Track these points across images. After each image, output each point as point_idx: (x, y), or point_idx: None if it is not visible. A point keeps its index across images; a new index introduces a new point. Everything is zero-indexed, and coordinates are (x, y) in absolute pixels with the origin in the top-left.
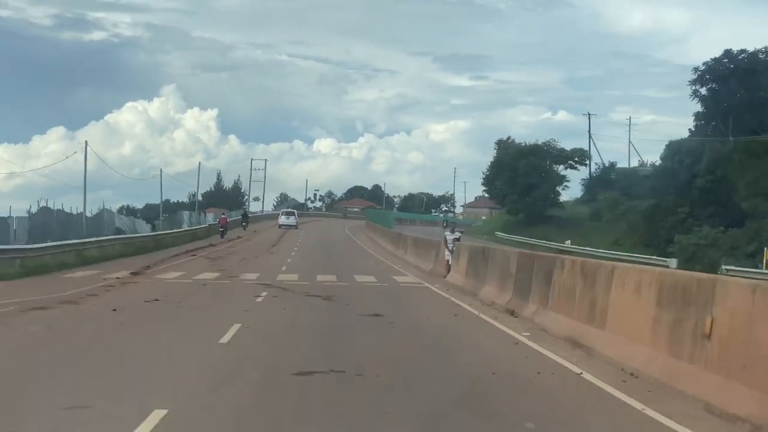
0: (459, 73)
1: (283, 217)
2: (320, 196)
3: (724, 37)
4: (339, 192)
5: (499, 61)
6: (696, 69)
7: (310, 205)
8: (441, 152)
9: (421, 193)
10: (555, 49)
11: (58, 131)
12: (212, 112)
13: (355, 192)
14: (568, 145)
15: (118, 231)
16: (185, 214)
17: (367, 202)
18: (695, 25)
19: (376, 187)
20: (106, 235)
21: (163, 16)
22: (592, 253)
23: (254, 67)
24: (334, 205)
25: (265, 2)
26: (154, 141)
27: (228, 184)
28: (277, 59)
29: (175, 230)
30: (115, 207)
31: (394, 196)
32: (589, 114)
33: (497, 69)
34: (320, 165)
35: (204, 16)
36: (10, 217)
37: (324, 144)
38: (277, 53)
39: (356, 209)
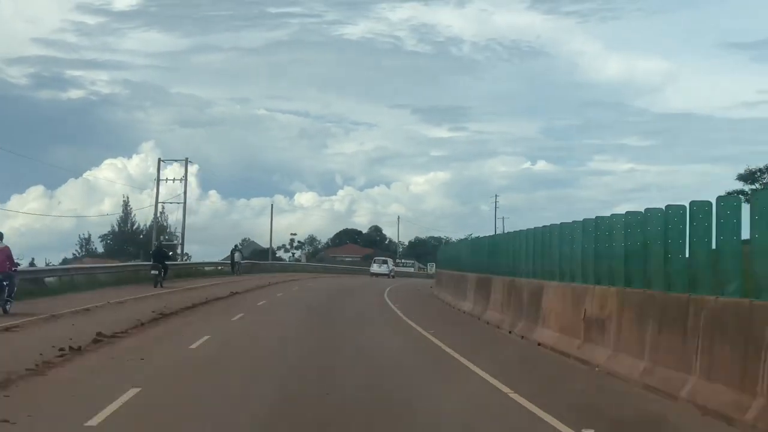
0: (438, 124)
1: (375, 265)
2: (298, 242)
3: (698, 86)
4: (324, 238)
5: (477, 112)
6: None
7: (284, 255)
8: (421, 203)
9: (431, 238)
10: (532, 99)
11: (37, 190)
12: (192, 168)
13: (346, 236)
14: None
15: None
16: None
17: (365, 249)
18: (671, 74)
19: (375, 230)
20: None
21: (141, 73)
22: None
23: (233, 122)
24: (319, 254)
25: (243, 57)
26: (134, 197)
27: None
28: (255, 114)
29: None
30: None
31: (399, 242)
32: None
33: (476, 120)
34: (300, 218)
35: (182, 72)
36: None
37: (305, 198)
38: (255, 108)
39: (349, 258)
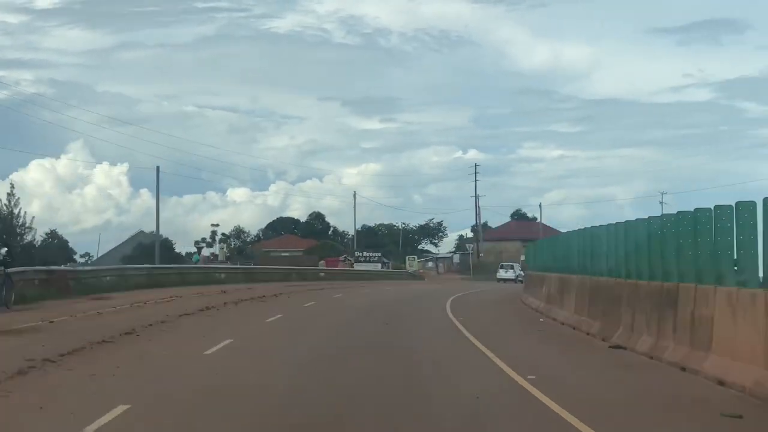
0: (369, 116)
1: (501, 271)
2: (222, 235)
3: (625, 71)
4: (256, 229)
5: (408, 102)
6: None
7: (206, 252)
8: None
9: (381, 226)
10: (462, 89)
11: None
12: (122, 167)
13: (282, 226)
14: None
15: None
16: None
17: (307, 240)
18: (598, 60)
19: (317, 218)
20: None
21: (67, 72)
22: None
23: (162, 119)
24: (248, 248)
25: (170, 53)
26: (63, 198)
27: None
28: (185, 110)
29: None
30: None
31: (344, 232)
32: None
33: (406, 111)
34: (233, 213)
35: (109, 70)
36: None
37: (237, 193)
38: (184, 104)
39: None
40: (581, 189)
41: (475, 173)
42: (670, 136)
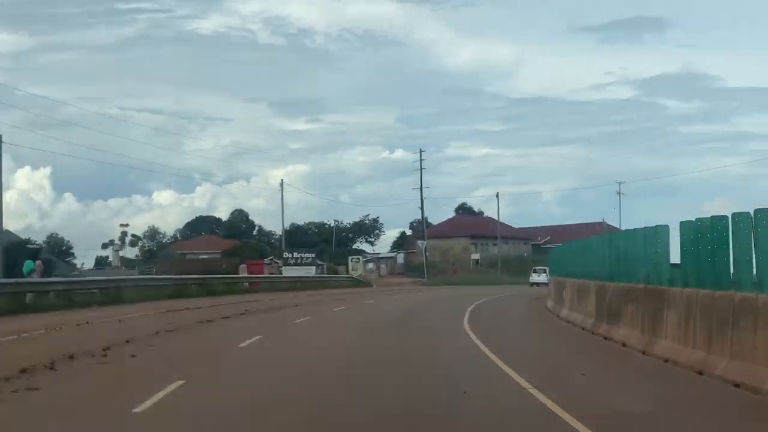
0: (295, 117)
1: (534, 275)
2: (132, 236)
3: (549, 70)
4: (173, 230)
5: (334, 103)
6: None
7: (113, 260)
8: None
9: (311, 224)
10: (388, 89)
11: None
12: (45, 171)
13: (203, 226)
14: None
15: None
16: None
17: (228, 241)
18: (522, 59)
19: (239, 216)
20: None
21: None
22: None
23: (86, 122)
24: (163, 250)
25: (93, 55)
26: None
27: None
28: (109, 113)
29: None
30: None
31: (270, 232)
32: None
33: (333, 111)
34: (158, 216)
35: (30, 72)
36: None
37: (163, 196)
38: (108, 107)
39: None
40: (507, 187)
41: (421, 161)
42: (594, 134)
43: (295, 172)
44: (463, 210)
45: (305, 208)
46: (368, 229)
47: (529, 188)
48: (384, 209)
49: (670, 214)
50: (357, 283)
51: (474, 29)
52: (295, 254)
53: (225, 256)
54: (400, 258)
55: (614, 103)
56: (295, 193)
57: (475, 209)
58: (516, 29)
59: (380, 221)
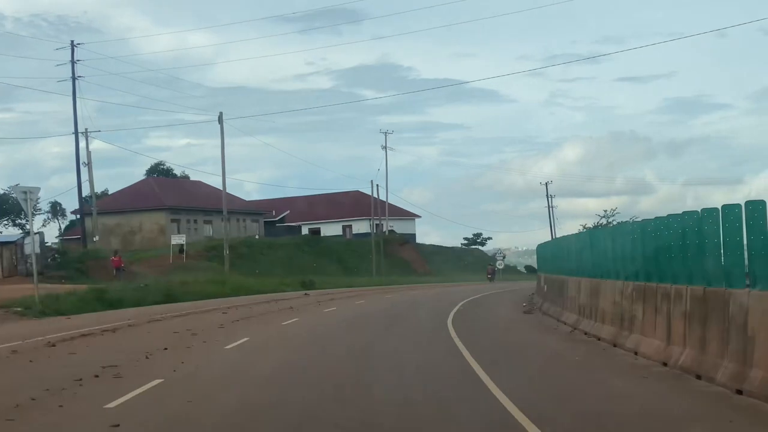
0: None
1: None
2: None
3: (251, 59)
4: None
5: (26, 91)
6: None
7: None
8: None
9: None
10: (84, 77)
11: None
12: None
13: None
14: None
15: None
16: None
17: None
18: (222, 48)
19: None
20: None
21: None
22: None
23: None
24: None
25: None
26: None
27: None
28: None
29: None
30: None
31: None
32: None
33: (25, 100)
34: None
35: None
36: None
37: None
38: None
39: None
40: (209, 177)
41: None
42: (296, 123)
43: None
44: (159, 172)
45: None
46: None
47: (232, 179)
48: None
49: None
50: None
51: (172, 17)
52: None
53: None
54: (28, 247)
55: (315, 93)
56: None
57: (177, 173)
58: (216, 18)
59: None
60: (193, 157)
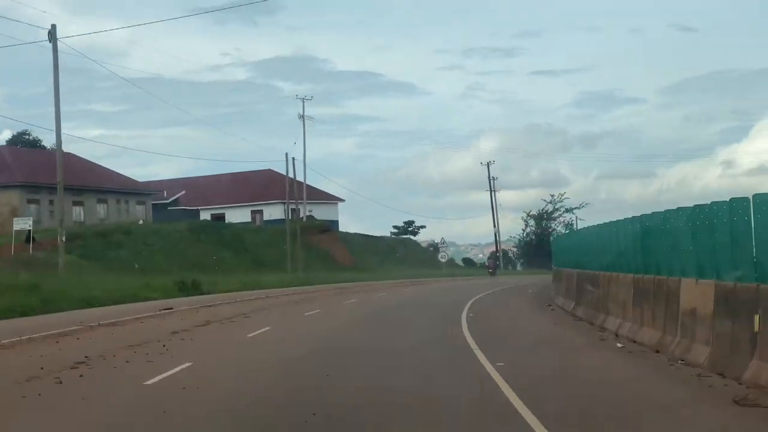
0: None
1: None
2: None
3: (166, 49)
4: None
5: None
6: None
7: None
8: None
9: None
10: None
11: None
12: None
13: None
14: None
15: None
16: None
17: None
18: (136, 37)
19: None
20: None
21: None
22: None
23: None
24: None
25: None
26: None
27: None
28: None
29: None
30: None
31: None
32: None
33: None
34: None
35: None
36: None
37: None
38: None
39: None
40: (124, 169)
41: None
42: (212, 115)
43: None
44: (21, 143)
45: None
46: None
47: (149, 170)
48: None
49: None
50: None
51: (84, 6)
52: None
53: None
54: None
55: (231, 84)
56: None
57: (46, 145)
58: (129, 7)
59: None
60: (107, 148)
